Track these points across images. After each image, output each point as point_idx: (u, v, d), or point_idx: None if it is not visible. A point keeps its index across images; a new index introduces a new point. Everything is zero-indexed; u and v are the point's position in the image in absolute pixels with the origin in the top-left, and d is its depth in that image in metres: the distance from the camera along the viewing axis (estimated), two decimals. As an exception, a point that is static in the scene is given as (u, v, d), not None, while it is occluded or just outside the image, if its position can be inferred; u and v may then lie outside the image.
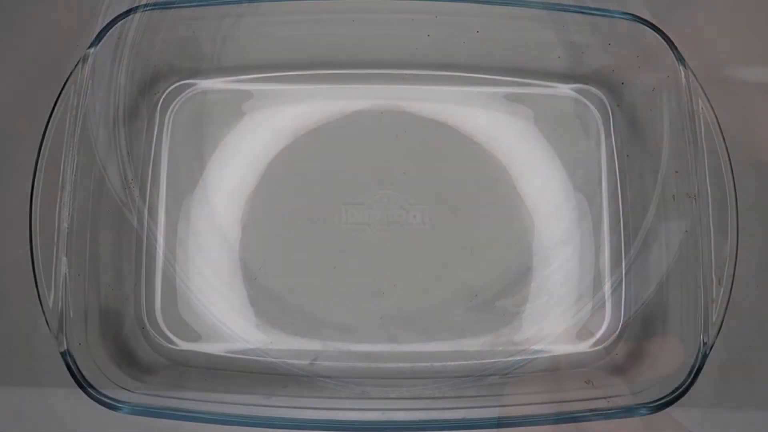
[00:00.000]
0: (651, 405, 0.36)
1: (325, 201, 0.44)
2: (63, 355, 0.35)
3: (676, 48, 0.38)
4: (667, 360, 0.39)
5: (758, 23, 0.47)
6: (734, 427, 0.43)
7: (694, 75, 0.38)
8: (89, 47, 0.37)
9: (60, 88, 0.37)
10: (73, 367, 0.35)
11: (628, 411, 0.36)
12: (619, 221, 0.44)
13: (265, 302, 0.42)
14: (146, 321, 0.42)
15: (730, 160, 0.37)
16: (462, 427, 0.36)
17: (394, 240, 0.43)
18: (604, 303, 0.44)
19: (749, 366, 0.43)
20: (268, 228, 0.44)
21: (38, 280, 0.35)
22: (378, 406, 0.40)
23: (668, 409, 0.36)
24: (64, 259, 0.35)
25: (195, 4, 0.39)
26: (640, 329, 0.42)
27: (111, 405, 0.35)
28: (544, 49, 0.43)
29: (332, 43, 0.44)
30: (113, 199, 0.41)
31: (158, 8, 0.38)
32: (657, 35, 0.39)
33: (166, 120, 0.44)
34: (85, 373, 0.35)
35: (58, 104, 0.37)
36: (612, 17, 0.39)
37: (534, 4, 0.39)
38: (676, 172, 0.39)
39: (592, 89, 0.46)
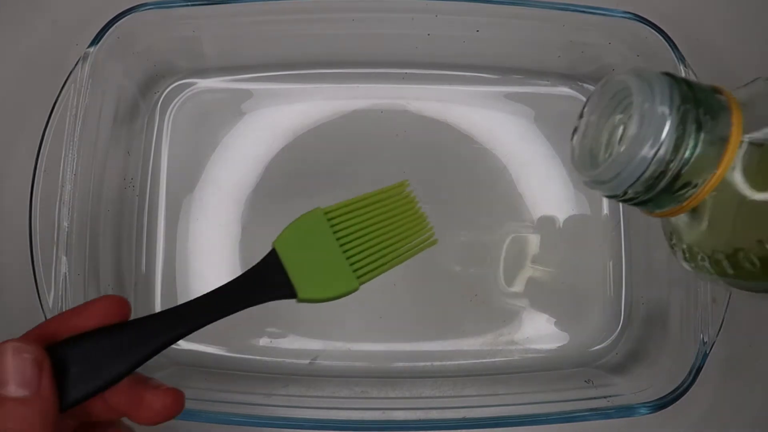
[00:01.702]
0: (651, 404, 0.36)
1: (325, 200, 0.43)
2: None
3: (676, 47, 0.38)
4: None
5: (758, 22, 0.47)
6: (734, 427, 0.43)
7: (695, 74, 0.38)
8: (89, 46, 0.37)
9: (60, 88, 0.37)
10: (73, 366, 0.35)
11: (628, 410, 0.36)
12: (619, 219, 0.44)
13: (265, 302, 0.42)
14: (146, 320, 0.42)
15: (730, 159, 0.37)
16: (462, 427, 0.36)
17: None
18: (604, 302, 0.44)
19: (749, 365, 0.43)
20: (268, 227, 0.43)
21: (38, 279, 0.35)
22: (378, 406, 0.40)
23: (668, 408, 0.36)
24: (63, 258, 0.35)
25: (195, 3, 0.39)
26: (641, 328, 0.42)
27: (111, 404, 0.35)
28: (544, 48, 0.43)
29: (332, 42, 0.44)
30: (113, 198, 0.41)
31: (158, 7, 0.38)
32: (657, 34, 0.39)
33: (166, 119, 0.44)
34: (85, 372, 0.35)
35: (58, 104, 0.37)
36: (612, 16, 0.39)
37: (534, 3, 0.39)
38: (677, 171, 0.39)
39: (592, 88, 0.45)
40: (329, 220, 0.30)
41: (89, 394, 0.24)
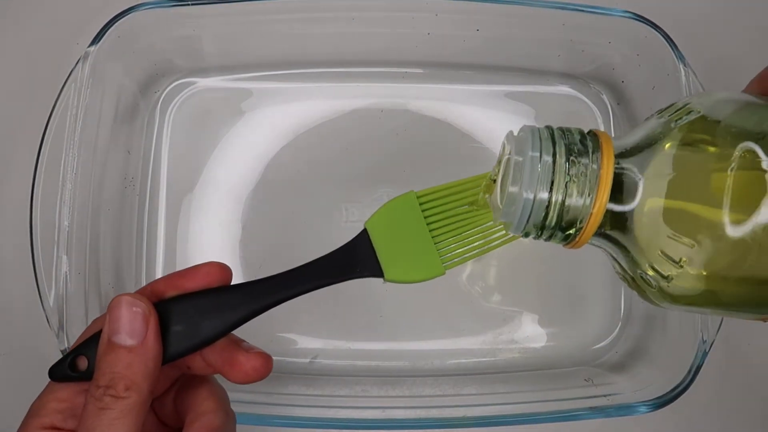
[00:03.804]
0: (651, 403, 0.36)
1: (325, 199, 0.44)
2: (64, 353, 0.35)
3: (676, 46, 0.38)
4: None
5: (758, 21, 0.47)
6: (734, 426, 0.43)
7: (694, 73, 0.38)
8: (89, 45, 0.37)
9: (60, 87, 0.37)
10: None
11: (628, 409, 0.36)
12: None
13: (266, 300, 0.42)
14: (147, 319, 0.42)
15: (730, 158, 0.37)
16: (462, 425, 0.36)
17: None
18: (604, 301, 0.44)
19: (749, 364, 0.43)
20: (268, 227, 0.44)
21: (39, 278, 0.35)
22: (378, 404, 0.40)
23: (668, 407, 0.36)
24: (64, 257, 0.35)
25: (195, 2, 0.39)
26: (640, 327, 0.43)
27: (112, 403, 0.35)
28: (544, 48, 0.43)
29: (332, 42, 0.44)
30: (113, 197, 0.41)
31: (158, 6, 0.38)
32: (657, 33, 0.39)
33: (166, 118, 0.44)
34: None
35: (58, 103, 0.37)
36: (612, 15, 0.39)
37: (534, 2, 0.39)
38: (676, 170, 0.39)
39: (592, 87, 0.45)
40: (421, 204, 0.30)
41: (189, 350, 0.26)
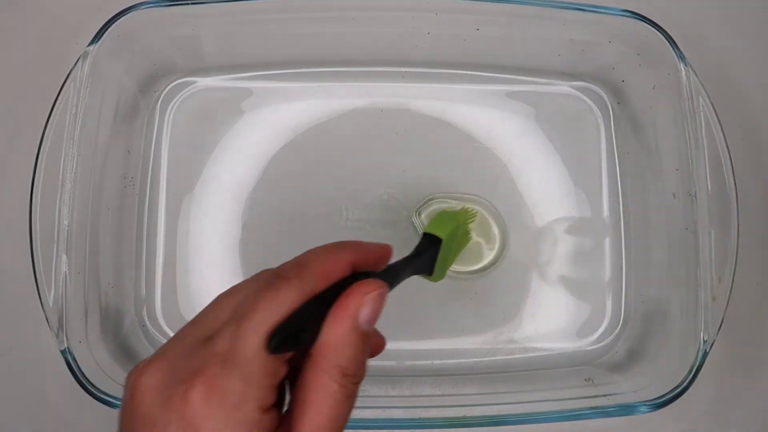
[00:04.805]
0: (651, 403, 0.36)
1: (325, 199, 0.44)
2: (63, 353, 0.35)
3: (676, 45, 0.38)
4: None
5: (758, 21, 0.47)
6: (734, 425, 0.43)
7: (695, 73, 0.38)
8: (89, 45, 0.37)
9: (60, 86, 0.37)
10: (73, 364, 0.35)
11: (628, 409, 0.36)
12: (620, 219, 0.44)
13: (266, 300, 0.42)
14: (146, 319, 0.42)
15: (730, 158, 0.37)
16: (462, 425, 0.36)
17: (395, 238, 0.43)
18: (604, 300, 0.44)
19: (749, 363, 0.43)
20: (268, 226, 0.44)
21: (38, 278, 0.35)
22: (378, 404, 0.40)
23: (668, 407, 0.36)
24: (64, 257, 0.35)
25: (194, 2, 0.39)
26: (641, 327, 0.42)
27: (111, 402, 0.35)
28: (544, 47, 0.43)
29: (332, 41, 0.44)
30: (113, 197, 0.41)
31: (158, 6, 0.38)
32: (658, 33, 0.39)
33: (166, 118, 0.44)
34: (85, 370, 0.35)
35: (57, 102, 0.37)
36: (612, 15, 0.39)
37: (534, 1, 0.39)
38: (677, 169, 0.39)
39: (593, 87, 0.45)
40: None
41: None
